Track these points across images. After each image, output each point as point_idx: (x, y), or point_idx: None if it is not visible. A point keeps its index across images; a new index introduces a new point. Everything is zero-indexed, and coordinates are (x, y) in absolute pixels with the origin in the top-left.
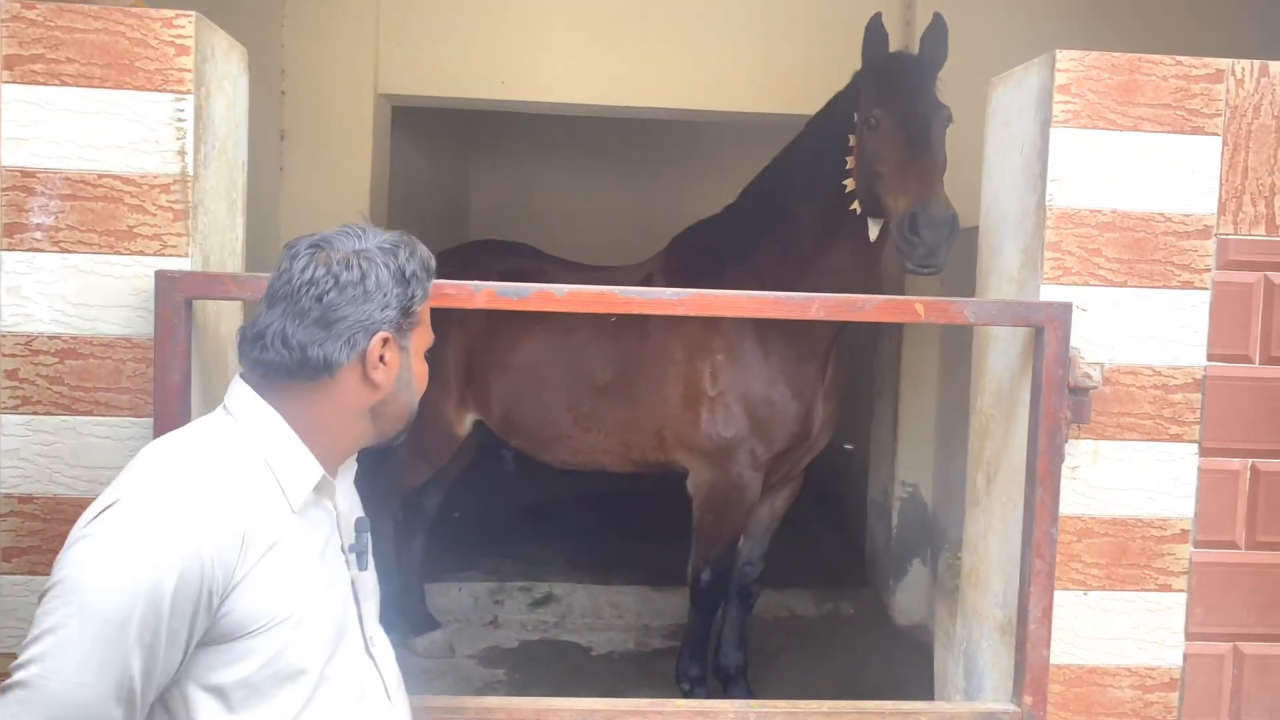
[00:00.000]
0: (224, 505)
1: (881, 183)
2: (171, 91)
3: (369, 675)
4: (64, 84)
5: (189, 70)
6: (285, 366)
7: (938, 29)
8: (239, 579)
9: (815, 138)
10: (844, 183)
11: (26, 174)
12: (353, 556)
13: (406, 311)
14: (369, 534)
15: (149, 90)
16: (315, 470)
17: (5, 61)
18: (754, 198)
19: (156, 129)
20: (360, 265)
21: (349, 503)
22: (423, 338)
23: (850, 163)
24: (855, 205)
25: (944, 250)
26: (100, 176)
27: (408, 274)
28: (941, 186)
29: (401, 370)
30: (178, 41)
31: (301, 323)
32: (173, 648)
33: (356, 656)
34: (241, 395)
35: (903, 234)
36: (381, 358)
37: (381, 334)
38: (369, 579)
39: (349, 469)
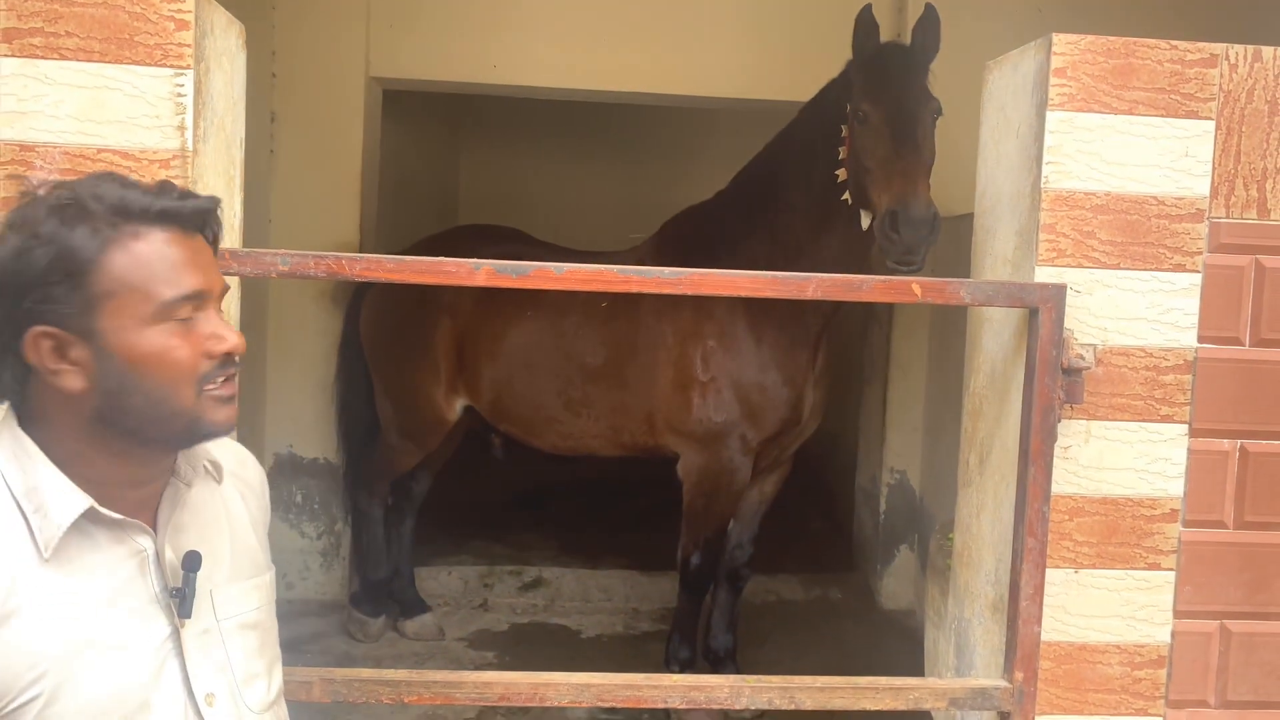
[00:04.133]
0: None
1: (868, 177)
2: (171, 66)
3: None
4: (63, 58)
5: (189, 45)
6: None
7: (930, 19)
8: None
9: (808, 126)
10: (836, 173)
11: (25, 148)
12: (176, 602)
13: (71, 288)
14: (197, 573)
15: (149, 65)
16: (74, 505)
17: (4, 35)
18: (746, 184)
19: (156, 104)
20: None
21: (192, 531)
22: (134, 306)
23: (843, 153)
24: (847, 195)
25: (923, 249)
26: (100, 151)
27: (44, 238)
28: (925, 184)
29: (103, 362)
30: (177, 16)
31: None
32: None
33: None
34: None
35: (883, 231)
36: (65, 355)
37: (34, 330)
38: (229, 619)
39: (197, 487)
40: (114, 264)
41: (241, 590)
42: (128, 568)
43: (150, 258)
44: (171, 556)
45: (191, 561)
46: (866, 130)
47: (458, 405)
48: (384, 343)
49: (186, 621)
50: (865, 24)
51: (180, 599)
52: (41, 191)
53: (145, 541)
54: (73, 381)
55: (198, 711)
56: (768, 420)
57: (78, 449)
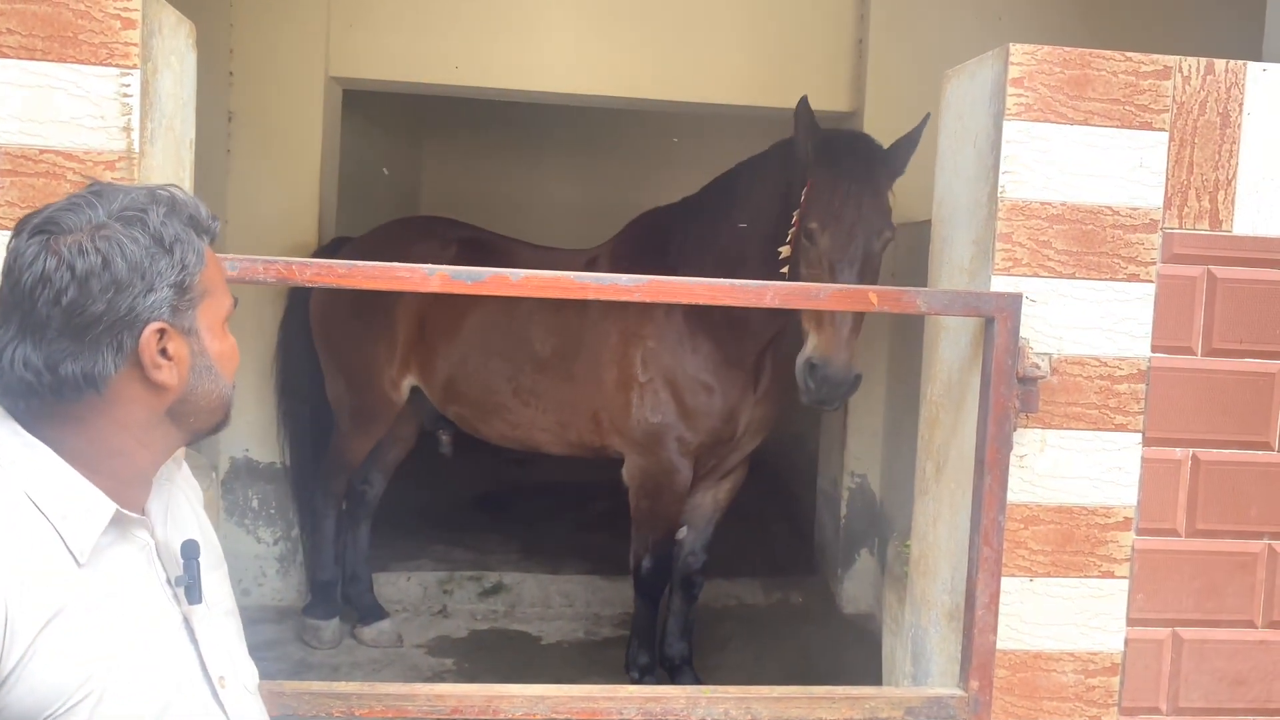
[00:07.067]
0: None
1: None
2: (117, 66)
3: None
4: (5, 56)
5: (135, 44)
6: (37, 391)
7: (910, 140)
8: (8, 671)
9: (769, 179)
10: (780, 249)
11: None
12: (180, 591)
13: (181, 287)
14: (198, 560)
15: (94, 64)
16: (104, 509)
17: None
18: (707, 203)
19: (101, 104)
20: (99, 247)
21: (173, 522)
22: (215, 308)
23: (790, 235)
24: (785, 270)
25: (838, 401)
26: (42, 152)
27: (168, 240)
28: (854, 334)
29: (195, 358)
30: (124, 15)
31: (44, 336)
32: None
33: (197, 709)
34: None
35: (802, 374)
36: (164, 352)
37: (154, 326)
38: (216, 606)
39: (167, 480)
40: (208, 267)
41: (218, 578)
42: (138, 561)
43: (216, 265)
44: (169, 546)
45: (191, 549)
46: (811, 248)
47: (404, 385)
48: (339, 319)
49: (195, 607)
50: (804, 117)
51: (188, 586)
52: (136, 190)
53: (146, 534)
54: (169, 377)
55: (215, 696)
56: (701, 424)
57: (125, 446)
